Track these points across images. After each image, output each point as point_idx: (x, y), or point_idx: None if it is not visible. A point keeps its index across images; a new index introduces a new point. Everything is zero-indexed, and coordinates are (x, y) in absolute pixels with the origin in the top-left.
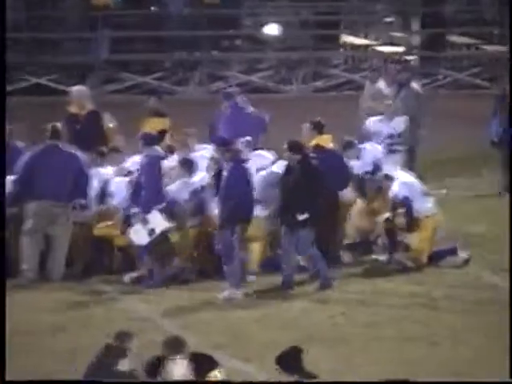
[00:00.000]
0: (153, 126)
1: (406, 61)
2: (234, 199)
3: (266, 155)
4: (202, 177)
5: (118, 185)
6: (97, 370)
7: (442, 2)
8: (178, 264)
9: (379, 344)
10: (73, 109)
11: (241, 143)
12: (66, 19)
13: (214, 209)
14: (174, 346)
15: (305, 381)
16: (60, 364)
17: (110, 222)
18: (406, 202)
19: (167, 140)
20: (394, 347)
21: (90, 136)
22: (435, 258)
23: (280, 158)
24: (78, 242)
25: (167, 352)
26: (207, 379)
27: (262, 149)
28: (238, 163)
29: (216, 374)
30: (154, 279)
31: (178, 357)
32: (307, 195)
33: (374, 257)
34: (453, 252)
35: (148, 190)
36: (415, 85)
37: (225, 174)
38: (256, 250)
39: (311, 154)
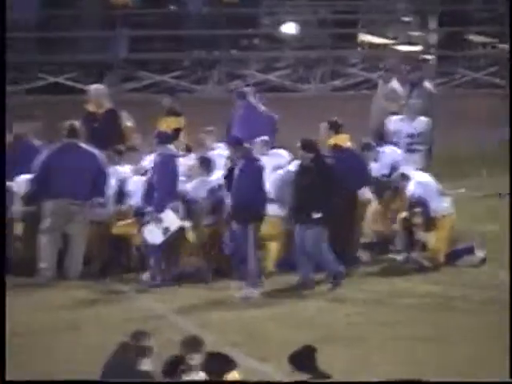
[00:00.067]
0: (168, 124)
1: (424, 60)
2: (245, 197)
3: (283, 154)
4: (219, 175)
5: (136, 184)
6: (114, 368)
7: (459, 1)
8: (193, 263)
9: (395, 343)
10: (91, 107)
11: (258, 142)
12: (84, 18)
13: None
14: (192, 345)
15: (319, 381)
16: (77, 363)
17: (129, 220)
18: (421, 201)
19: (182, 138)
20: (409, 347)
21: (108, 134)
22: (452, 257)
23: (296, 157)
24: (95, 241)
25: (185, 351)
26: (224, 379)
27: (278, 148)
28: (250, 161)
29: (234, 375)
30: (162, 278)
31: (196, 356)
32: (321, 194)
33: (391, 256)
34: (470, 251)
35: (161, 189)
36: (428, 84)
37: (236, 171)
38: (273, 249)
39: (329, 153)
